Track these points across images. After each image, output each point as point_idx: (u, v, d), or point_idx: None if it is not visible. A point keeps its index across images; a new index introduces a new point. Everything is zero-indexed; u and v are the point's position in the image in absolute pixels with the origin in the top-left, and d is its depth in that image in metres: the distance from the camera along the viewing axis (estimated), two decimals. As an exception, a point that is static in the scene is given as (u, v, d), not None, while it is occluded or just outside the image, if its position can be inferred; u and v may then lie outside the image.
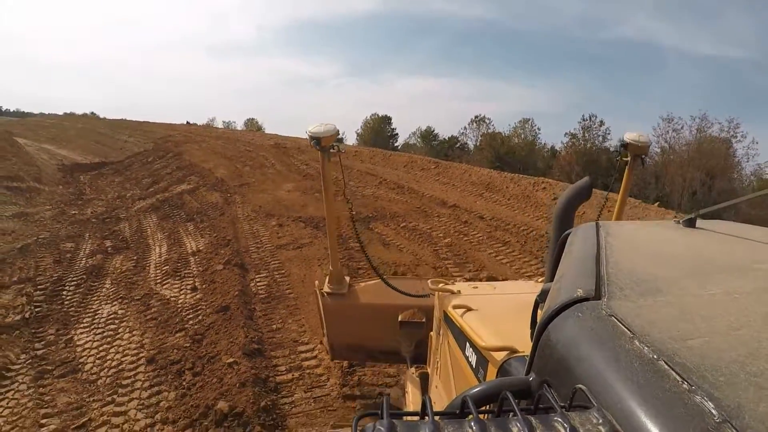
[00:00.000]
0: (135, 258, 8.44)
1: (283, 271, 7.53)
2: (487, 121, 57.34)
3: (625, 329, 0.69)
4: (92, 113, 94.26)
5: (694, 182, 33.80)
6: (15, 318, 6.27)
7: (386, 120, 66.66)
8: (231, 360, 4.75)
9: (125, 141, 32.26)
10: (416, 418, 0.60)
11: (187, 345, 5.28)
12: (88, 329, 5.96)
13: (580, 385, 0.62)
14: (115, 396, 4.56)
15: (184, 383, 4.61)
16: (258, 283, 7.05)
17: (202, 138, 28.28)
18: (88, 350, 5.47)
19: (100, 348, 5.50)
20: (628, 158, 3.46)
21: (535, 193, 13.86)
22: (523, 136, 51.63)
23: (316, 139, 3.34)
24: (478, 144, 54.60)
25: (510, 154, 47.32)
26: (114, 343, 5.57)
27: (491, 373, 1.56)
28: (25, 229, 10.45)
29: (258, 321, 5.86)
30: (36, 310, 6.47)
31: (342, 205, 4.74)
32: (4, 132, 26.12)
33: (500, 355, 1.53)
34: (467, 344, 1.87)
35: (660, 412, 0.53)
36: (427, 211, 11.47)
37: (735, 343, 0.66)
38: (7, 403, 4.56)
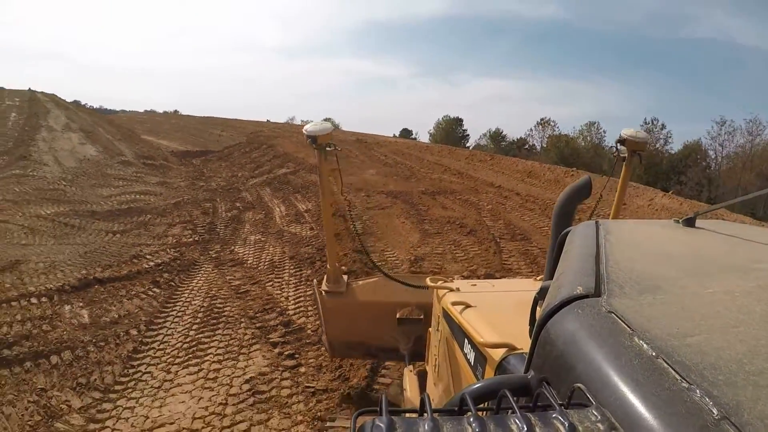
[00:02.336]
0: (263, 213, 11.96)
1: (372, 220, 10.86)
2: (552, 124, 61.82)
3: (625, 326, 0.72)
4: (175, 111, 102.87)
5: (748, 185, 35.16)
6: (189, 240, 9.79)
7: (458, 121, 72.12)
8: (344, 253, 8.00)
9: (219, 135, 37.07)
10: (415, 415, 0.62)
11: (314, 252, 8.57)
12: (242, 246, 9.40)
13: (578, 384, 0.64)
14: (272, 274, 7.86)
15: (315, 266, 7.89)
16: (356, 226, 10.37)
17: (289, 133, 32.37)
18: (247, 255, 8.86)
19: (254, 254, 8.88)
20: (626, 155, 3.53)
21: (564, 179, 17.56)
22: (589, 138, 54.08)
23: (312, 138, 3.58)
24: (544, 146, 57.89)
25: (574, 155, 49.69)
26: (263, 252, 8.97)
27: (490, 370, 1.59)
28: (170, 192, 14.27)
29: (357, 241, 9.13)
30: (202, 236, 9.97)
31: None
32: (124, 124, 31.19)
33: (499, 352, 1.56)
34: (466, 341, 1.90)
35: (659, 410, 0.55)
36: (478, 189, 15.14)
37: (734, 341, 0.68)
38: (203, 276, 7.91)
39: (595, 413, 0.57)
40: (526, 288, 2.43)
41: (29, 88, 43.38)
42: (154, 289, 7.04)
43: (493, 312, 2.03)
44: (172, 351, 5.43)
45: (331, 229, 4.32)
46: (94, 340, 5.57)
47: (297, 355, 5.34)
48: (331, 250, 4.22)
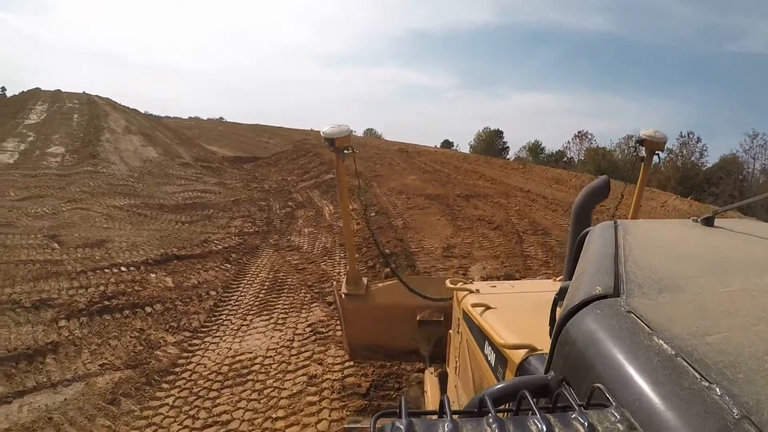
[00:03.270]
0: (313, 211, 13.21)
1: (412, 218, 11.99)
2: (590, 137, 63.70)
3: (644, 325, 0.73)
4: (221, 118, 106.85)
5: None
6: (250, 230, 11.05)
7: (497, 133, 73.72)
8: (388, 241, 9.11)
9: (266, 142, 38.80)
10: (435, 417, 0.64)
11: (360, 241, 9.71)
12: (297, 236, 10.61)
13: (597, 384, 0.65)
14: (325, 257, 9.02)
15: (362, 251, 9.05)
16: (397, 221, 11.50)
17: (335, 142, 33.79)
18: (302, 243, 10.06)
19: (308, 243, 10.08)
20: (644, 155, 3.56)
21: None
22: (626, 151, 55.15)
23: (330, 140, 3.52)
24: (582, 158, 59.05)
25: (611, 167, 50.47)
26: (317, 240, 10.17)
27: (510, 371, 1.61)
28: (227, 192, 15.66)
29: (399, 234, 10.24)
30: (261, 228, 11.22)
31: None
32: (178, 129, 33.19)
33: (519, 353, 1.58)
34: (486, 343, 1.93)
35: (679, 409, 0.56)
36: (509, 193, 16.39)
37: (754, 339, 0.68)
38: (266, 257, 9.10)
39: (615, 413, 0.59)
40: (545, 289, 2.47)
41: (83, 91, 46.25)
42: (226, 265, 8.30)
43: (513, 313, 2.06)
44: (246, 306, 6.64)
45: (351, 231, 4.38)
46: (180, 298, 6.80)
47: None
48: (351, 253, 4.25)
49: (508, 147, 73.35)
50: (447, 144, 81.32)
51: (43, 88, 45.37)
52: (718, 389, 0.56)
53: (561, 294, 1.18)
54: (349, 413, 4.49)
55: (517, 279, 7.88)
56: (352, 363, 5.18)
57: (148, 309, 6.42)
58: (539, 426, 0.56)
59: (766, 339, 0.69)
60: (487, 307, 2.10)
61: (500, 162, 28.22)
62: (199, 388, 4.76)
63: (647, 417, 0.57)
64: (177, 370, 5.09)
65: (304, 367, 5.15)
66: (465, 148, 73.13)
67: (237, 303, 6.74)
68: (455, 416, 0.60)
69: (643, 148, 3.53)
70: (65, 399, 4.52)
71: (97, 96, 45.90)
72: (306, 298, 6.93)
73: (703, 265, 1.08)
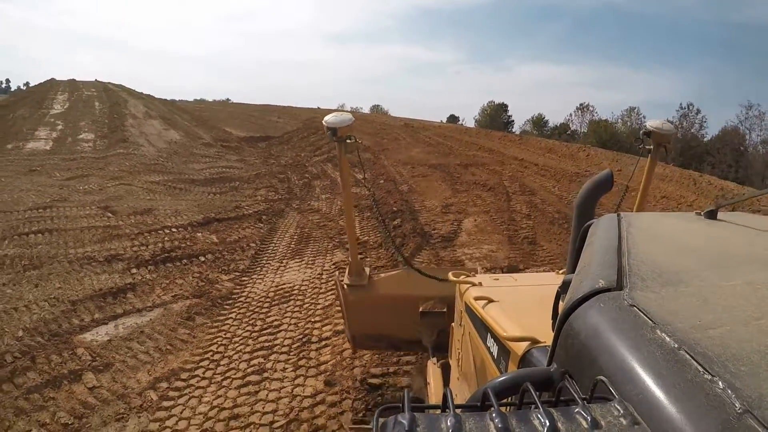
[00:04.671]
0: (328, 181, 14.72)
1: (416, 184, 13.53)
2: (591, 109, 65.24)
3: (647, 319, 0.73)
4: (227, 99, 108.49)
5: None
6: (274, 197, 12.56)
7: (502, 107, 74.53)
8: (395, 202, 10.57)
9: (276, 121, 40.26)
10: (438, 410, 0.64)
11: (371, 203, 11.13)
12: (316, 201, 12.14)
13: (600, 377, 0.66)
14: (341, 218, 10.48)
15: (373, 211, 10.50)
16: (403, 187, 13.00)
17: (343, 120, 35.20)
18: (321, 206, 11.60)
19: (326, 206, 11.62)
20: (651, 147, 3.48)
21: (577, 154, 21.00)
22: (629, 123, 56.01)
23: (332, 130, 3.52)
24: (585, 131, 60.69)
25: (613, 139, 51.40)
26: (333, 204, 11.72)
27: (513, 364, 1.62)
28: (248, 167, 17.16)
29: (405, 197, 11.71)
30: (283, 196, 12.72)
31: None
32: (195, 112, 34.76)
33: (522, 346, 1.58)
34: (488, 335, 1.93)
35: (681, 402, 0.56)
36: (504, 162, 17.80)
37: (756, 333, 0.69)
38: (291, 218, 10.60)
39: (618, 407, 0.59)
40: (548, 282, 2.47)
41: (96, 79, 47.69)
42: (259, 224, 9.88)
43: (516, 306, 2.06)
44: (281, 253, 8.22)
45: (353, 222, 4.43)
46: (225, 249, 8.35)
47: (364, 254, 8.02)
48: (353, 243, 4.31)
49: (513, 121, 74.33)
50: (453, 119, 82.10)
51: (57, 78, 47.08)
52: (720, 383, 0.56)
53: (564, 287, 1.19)
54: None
55: (503, 230, 9.30)
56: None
57: (202, 258, 7.95)
58: (542, 420, 0.57)
59: None
60: (490, 300, 2.12)
61: (499, 135, 29.69)
62: (254, 307, 6.31)
63: (650, 410, 0.58)
64: (234, 296, 6.64)
65: (332, 289, 6.67)
66: (471, 123, 74.20)
67: (273, 251, 8.27)
68: (458, 410, 0.62)
69: (651, 140, 3.43)
70: (150, 319, 6.06)
71: (110, 83, 47.50)
72: (329, 246, 8.48)
73: (707, 258, 1.09)
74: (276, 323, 5.87)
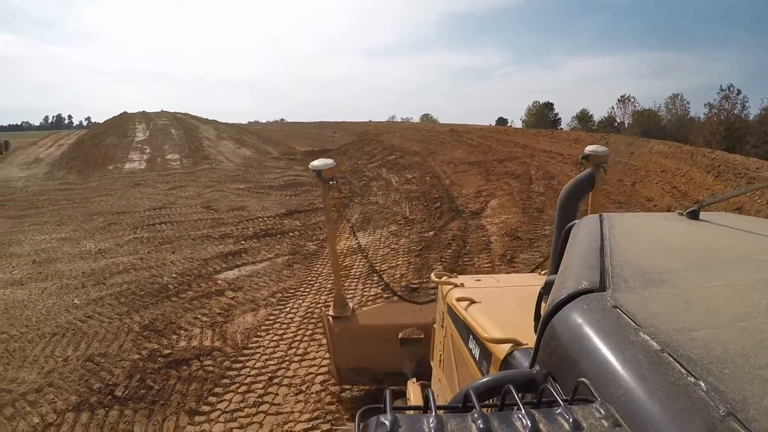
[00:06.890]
0: (383, 181, 17.48)
1: (456, 177, 16.19)
2: (632, 100, 66.19)
3: (630, 321, 0.74)
4: (281, 119, 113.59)
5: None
6: (341, 196, 15.30)
7: (548, 106, 76.24)
8: (437, 195, 13.20)
9: (332, 136, 43.53)
10: (419, 412, 0.65)
11: (419, 195, 13.81)
12: (374, 196, 14.89)
13: (582, 379, 0.66)
14: (395, 206, 13.15)
15: (420, 200, 13.16)
16: (446, 181, 15.64)
17: (393, 130, 38.25)
18: (378, 199, 14.30)
19: (382, 199, 14.32)
20: (591, 168, 3.59)
21: (599, 142, 22.81)
22: (674, 110, 56.45)
23: (317, 172, 4.08)
24: (629, 122, 62.03)
25: (656, 128, 52.07)
26: (388, 198, 14.42)
27: (495, 365, 1.63)
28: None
29: (446, 188, 14.30)
30: (348, 195, 15.53)
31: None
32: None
33: (504, 348, 1.60)
34: (470, 337, 1.95)
35: (664, 405, 0.57)
36: (534, 155, 19.93)
37: (739, 335, 0.70)
38: (356, 208, 13.30)
39: (600, 409, 0.59)
40: (530, 283, 2.50)
41: (162, 110, 52.05)
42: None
43: (498, 307, 2.09)
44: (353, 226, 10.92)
45: (337, 257, 4.73)
46: (307, 228, 11.20)
47: (409, 226, 10.65)
48: (337, 276, 4.56)
49: (560, 118, 75.53)
50: (501, 121, 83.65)
51: (128, 111, 51.77)
52: (704, 385, 0.56)
53: (546, 288, 1.19)
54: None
55: (520, 205, 11.70)
56: (412, 241, 9.37)
57: (290, 234, 10.78)
58: (524, 421, 0.56)
59: (752, 335, 0.70)
60: (472, 302, 2.14)
61: (533, 132, 31.97)
62: (334, 259, 9.05)
63: (632, 413, 0.58)
64: (319, 254, 9.40)
65: (389, 245, 9.37)
66: (518, 124, 76.05)
67: (343, 229, 10.99)
68: (440, 411, 0.62)
69: (589, 162, 3.66)
70: (262, 267, 8.85)
71: (177, 112, 51.87)
72: (385, 223, 11.16)
73: (689, 259, 1.10)
74: (348, 266, 8.57)
